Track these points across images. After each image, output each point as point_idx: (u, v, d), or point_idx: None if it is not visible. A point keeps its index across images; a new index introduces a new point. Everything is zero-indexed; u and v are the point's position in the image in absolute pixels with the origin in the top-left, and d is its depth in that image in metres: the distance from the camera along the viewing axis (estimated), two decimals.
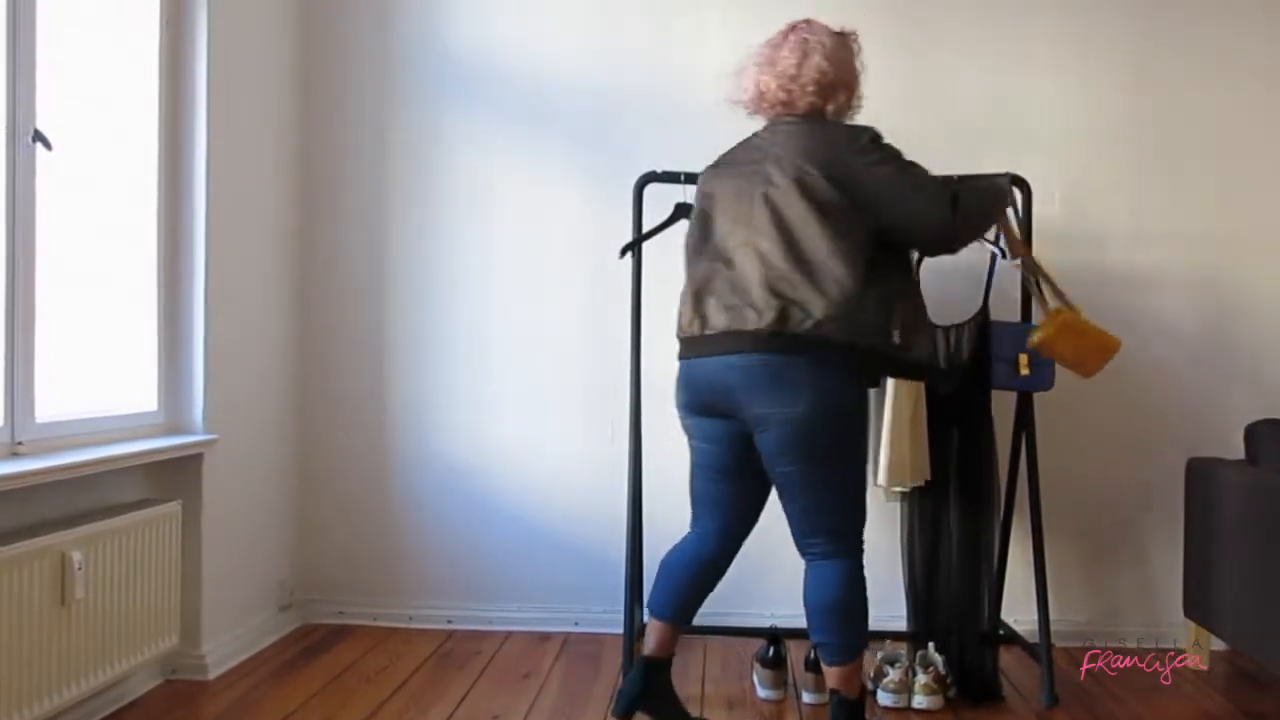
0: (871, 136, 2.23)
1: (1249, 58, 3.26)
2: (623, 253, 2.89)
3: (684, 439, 2.42)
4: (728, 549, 2.41)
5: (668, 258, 2.84)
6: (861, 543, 2.28)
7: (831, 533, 2.23)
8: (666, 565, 2.42)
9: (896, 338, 2.18)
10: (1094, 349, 2.60)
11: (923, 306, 2.33)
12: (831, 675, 2.27)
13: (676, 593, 2.39)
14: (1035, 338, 2.56)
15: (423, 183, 3.41)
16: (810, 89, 2.25)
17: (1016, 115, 3.29)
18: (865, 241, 2.16)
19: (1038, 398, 2.92)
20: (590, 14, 3.38)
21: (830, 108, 2.28)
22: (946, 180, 2.34)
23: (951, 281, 3.08)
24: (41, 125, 2.33)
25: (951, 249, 2.34)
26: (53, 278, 2.42)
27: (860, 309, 2.12)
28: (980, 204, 2.31)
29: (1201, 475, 2.98)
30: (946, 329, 2.87)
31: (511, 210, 3.40)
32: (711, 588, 2.44)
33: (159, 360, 2.82)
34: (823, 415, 2.13)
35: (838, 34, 2.33)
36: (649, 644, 2.42)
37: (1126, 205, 3.28)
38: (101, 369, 2.69)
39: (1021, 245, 2.62)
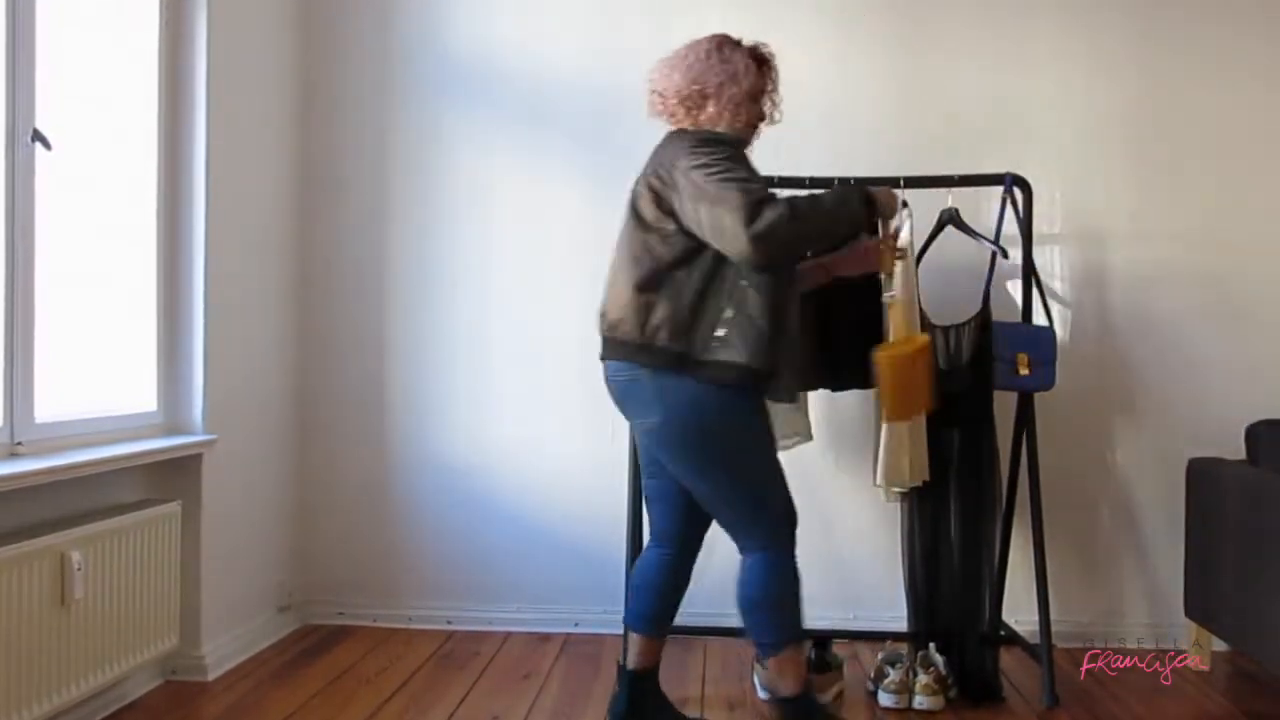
0: (700, 141, 2.23)
1: (1249, 58, 3.26)
2: None
3: None
4: (683, 547, 2.42)
5: None
6: (783, 535, 2.26)
7: (741, 534, 2.27)
8: (634, 578, 2.46)
9: (718, 341, 2.14)
10: (921, 395, 2.45)
11: (753, 308, 2.16)
12: (768, 669, 2.30)
13: (648, 603, 2.42)
14: (886, 351, 2.39)
15: (423, 183, 3.41)
16: (673, 101, 2.34)
17: (1016, 115, 3.29)
18: (674, 245, 2.18)
19: (1038, 398, 2.92)
20: (590, 14, 3.38)
21: (702, 117, 2.32)
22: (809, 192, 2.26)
23: (952, 281, 3.08)
24: (41, 125, 2.33)
25: (756, 263, 2.12)
26: (53, 278, 2.41)
27: (649, 310, 2.17)
28: (804, 217, 2.12)
29: (1202, 475, 2.97)
30: (946, 329, 2.87)
31: (511, 210, 3.39)
32: (680, 593, 2.45)
33: (158, 360, 2.82)
34: (674, 428, 2.19)
35: (720, 47, 2.33)
36: (631, 658, 2.44)
37: (1126, 205, 3.28)
38: (101, 369, 2.69)
39: (889, 268, 2.42)
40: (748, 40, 2.39)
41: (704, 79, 2.30)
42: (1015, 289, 3.04)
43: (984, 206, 3.13)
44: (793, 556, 2.28)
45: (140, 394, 2.78)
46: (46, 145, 2.34)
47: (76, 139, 2.50)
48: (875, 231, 2.42)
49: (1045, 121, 3.29)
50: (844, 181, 2.84)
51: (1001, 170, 2.90)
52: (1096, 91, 3.28)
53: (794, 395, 2.30)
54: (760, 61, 2.37)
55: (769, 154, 3.07)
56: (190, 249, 2.83)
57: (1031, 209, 2.88)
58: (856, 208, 2.25)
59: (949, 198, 2.94)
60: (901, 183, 2.84)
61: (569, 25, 3.38)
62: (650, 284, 2.19)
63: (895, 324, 2.41)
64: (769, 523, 2.26)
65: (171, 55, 2.82)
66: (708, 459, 2.22)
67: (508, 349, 3.39)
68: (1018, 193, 2.87)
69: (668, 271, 2.19)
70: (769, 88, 2.38)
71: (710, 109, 2.30)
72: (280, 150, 3.28)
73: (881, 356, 2.39)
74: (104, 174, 2.66)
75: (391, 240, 3.42)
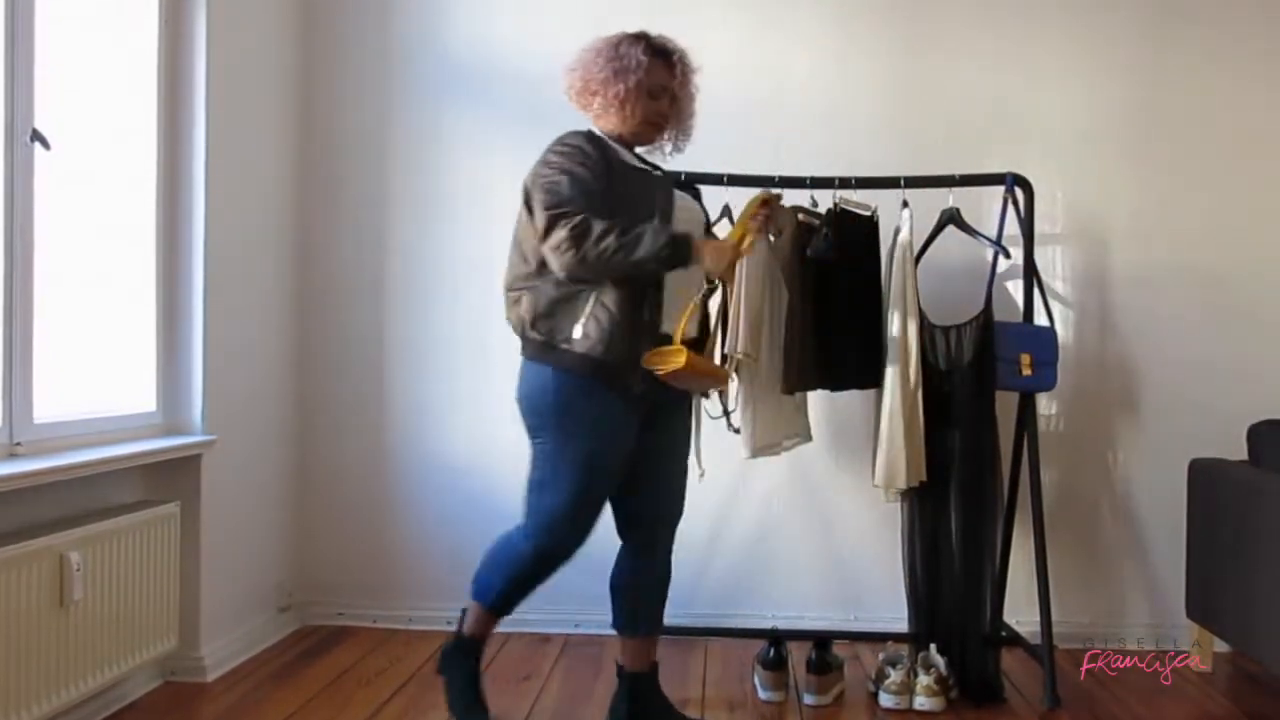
0: (554, 143, 2.27)
1: (1249, 58, 3.26)
2: None
3: None
4: (641, 543, 2.42)
5: None
6: (539, 529, 2.28)
7: (524, 504, 2.31)
8: (610, 580, 2.47)
9: (578, 331, 2.18)
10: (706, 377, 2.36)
11: (611, 301, 2.17)
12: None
13: (622, 603, 2.45)
14: (648, 358, 2.20)
15: (423, 183, 3.41)
16: (569, 97, 2.38)
17: (1016, 115, 3.29)
18: (534, 244, 2.22)
19: (1039, 398, 2.92)
20: (590, 14, 3.36)
21: (590, 114, 2.37)
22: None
23: (952, 281, 3.08)
24: (40, 125, 2.32)
25: (562, 275, 2.18)
26: (52, 278, 2.41)
27: (517, 305, 2.28)
28: (591, 243, 2.10)
29: (1204, 476, 2.97)
30: (947, 329, 2.87)
31: (511, 210, 3.34)
32: (653, 590, 2.45)
33: (158, 361, 2.81)
34: (523, 406, 2.30)
35: (618, 44, 2.33)
36: (625, 660, 2.44)
37: (1126, 205, 3.28)
38: (100, 369, 2.68)
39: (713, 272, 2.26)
40: (668, 37, 2.38)
41: (590, 74, 2.32)
42: (1016, 289, 3.04)
43: (985, 206, 3.13)
44: (538, 562, 2.30)
45: (139, 394, 2.77)
46: (46, 145, 2.34)
47: (76, 139, 2.49)
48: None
49: (1045, 121, 3.28)
50: (844, 182, 2.85)
51: (1002, 170, 2.90)
52: (1096, 91, 3.28)
53: (640, 385, 2.21)
54: (662, 56, 2.34)
55: (769, 153, 3.10)
56: (190, 249, 2.83)
57: (1033, 209, 2.88)
58: (656, 251, 2.11)
59: (950, 197, 2.94)
60: (902, 182, 2.84)
61: (569, 25, 3.36)
62: (518, 283, 2.27)
63: (681, 325, 2.24)
64: (539, 511, 2.27)
65: (171, 55, 2.81)
66: (532, 428, 2.28)
67: (508, 349, 3.34)
68: (1019, 192, 2.86)
69: (536, 271, 2.23)
70: (671, 83, 2.35)
71: (596, 105, 2.33)
72: (280, 150, 3.28)
73: (677, 368, 2.19)
74: (103, 174, 2.66)
75: (391, 240, 3.41)
